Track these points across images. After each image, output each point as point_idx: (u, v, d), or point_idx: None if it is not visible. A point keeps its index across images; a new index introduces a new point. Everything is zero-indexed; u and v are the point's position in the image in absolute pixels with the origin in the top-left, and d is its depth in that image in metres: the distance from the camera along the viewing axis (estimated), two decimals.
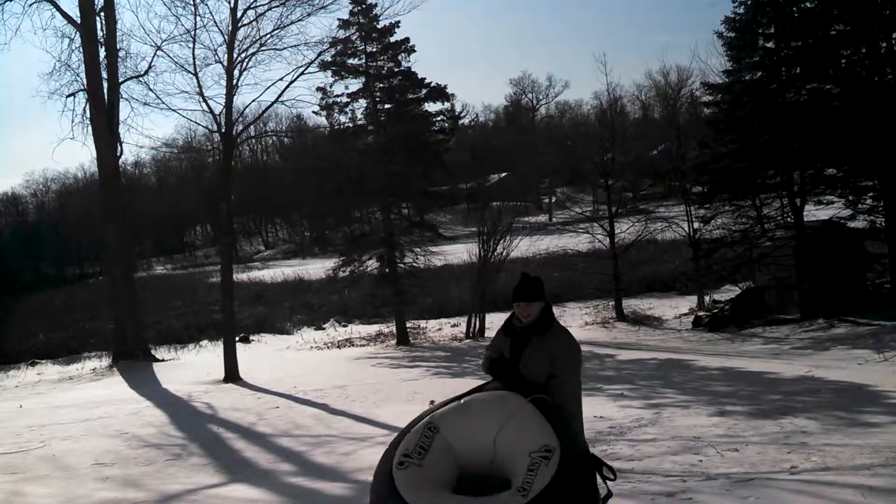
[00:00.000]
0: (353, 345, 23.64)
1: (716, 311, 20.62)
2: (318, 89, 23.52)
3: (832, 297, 18.01)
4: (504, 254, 23.81)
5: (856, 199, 19.57)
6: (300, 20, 19.04)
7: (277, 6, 18.57)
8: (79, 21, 20.51)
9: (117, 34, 21.07)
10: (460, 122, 42.85)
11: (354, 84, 23.89)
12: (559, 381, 3.71)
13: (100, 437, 9.87)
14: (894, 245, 18.66)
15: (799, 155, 19.18)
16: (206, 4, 35.82)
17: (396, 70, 24.07)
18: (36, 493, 6.97)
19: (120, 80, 20.95)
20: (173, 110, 20.63)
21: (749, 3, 19.72)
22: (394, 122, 23.71)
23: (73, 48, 20.93)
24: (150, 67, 20.00)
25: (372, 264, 23.59)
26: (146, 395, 14.61)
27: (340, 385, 13.72)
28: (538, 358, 3.76)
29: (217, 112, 18.19)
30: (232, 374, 16.60)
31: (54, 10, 20.72)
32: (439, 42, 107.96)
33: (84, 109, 20.93)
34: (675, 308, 24.12)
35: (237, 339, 21.03)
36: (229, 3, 18.07)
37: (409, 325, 23.79)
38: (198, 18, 18.88)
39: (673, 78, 67.57)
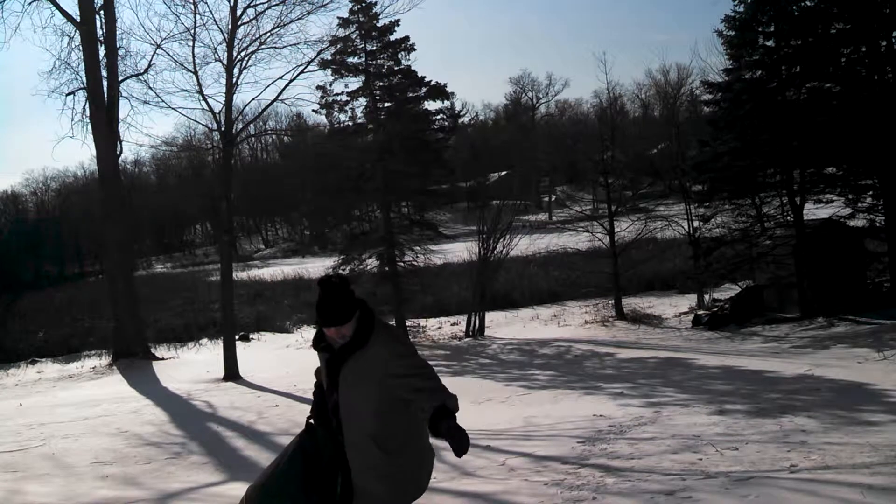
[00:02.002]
0: None
1: (715, 309, 20.62)
2: (318, 88, 23.53)
3: (832, 295, 18.01)
4: (504, 252, 23.80)
5: (855, 198, 19.58)
6: (300, 18, 19.07)
7: (277, 4, 18.60)
8: (78, 19, 20.49)
9: (117, 32, 21.06)
10: (460, 120, 42.86)
11: (354, 82, 23.91)
12: (417, 387, 3.10)
13: (99, 436, 9.87)
14: (894, 244, 18.67)
15: (799, 153, 19.18)
16: (206, 3, 35.76)
17: (396, 68, 24.06)
18: (36, 492, 6.97)
19: (120, 79, 20.94)
20: (173, 109, 20.49)
21: (749, 1, 19.70)
22: (393, 121, 23.69)
23: (73, 46, 20.92)
24: (149, 66, 20.00)
25: (372, 263, 23.60)
26: (146, 393, 14.62)
27: None
28: (363, 385, 3.16)
29: (217, 110, 18.22)
30: (232, 373, 16.60)
31: (54, 8, 20.69)
32: (439, 40, 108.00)
33: (84, 108, 20.92)
34: (674, 307, 24.13)
35: (237, 337, 21.03)
36: (229, 1, 18.10)
37: (409, 323, 23.79)
38: (197, 17, 18.93)
39: (673, 76, 67.69)
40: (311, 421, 3.46)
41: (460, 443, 2.89)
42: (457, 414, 3.03)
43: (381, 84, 24.03)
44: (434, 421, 2.97)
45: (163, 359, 21.48)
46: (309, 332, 26.61)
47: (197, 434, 9.88)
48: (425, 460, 3.39)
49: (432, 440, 3.20)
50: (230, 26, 17.94)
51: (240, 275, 36.64)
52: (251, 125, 23.52)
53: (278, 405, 11.93)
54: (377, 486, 3.19)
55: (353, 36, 23.38)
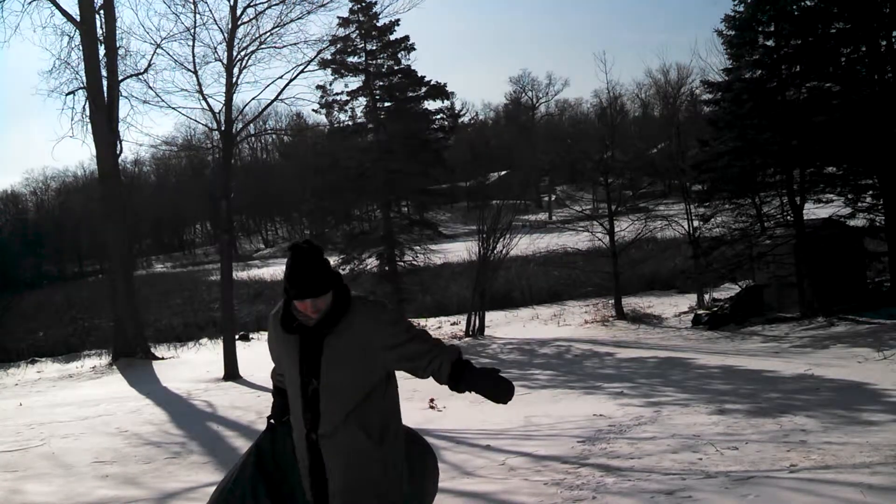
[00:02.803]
0: None
1: (715, 309, 20.62)
2: (318, 87, 23.56)
3: (832, 295, 18.02)
4: (504, 252, 23.80)
5: (855, 198, 19.58)
6: (300, 18, 19.09)
7: (277, 4, 18.62)
8: (78, 19, 20.49)
9: (117, 32, 21.06)
10: (460, 120, 42.90)
11: (354, 82, 23.95)
12: (415, 350, 2.88)
13: (99, 435, 9.86)
14: (894, 243, 18.67)
15: (799, 153, 19.18)
16: (206, 2, 35.90)
17: (396, 68, 24.08)
18: (36, 491, 6.96)
19: (119, 78, 20.94)
20: (173, 108, 20.53)
21: (749, 1, 19.71)
22: (393, 120, 23.71)
23: (73, 46, 20.94)
24: (149, 65, 20.01)
25: (372, 262, 23.61)
26: (146, 393, 14.61)
27: None
28: (346, 368, 2.83)
29: (217, 110, 18.24)
30: (231, 373, 16.60)
31: (54, 8, 20.69)
32: (439, 40, 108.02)
33: (83, 107, 20.93)
34: (674, 306, 24.13)
35: (237, 337, 21.04)
36: (229, 1, 18.10)
37: None
38: (197, 16, 18.95)
39: (673, 76, 67.71)
40: (272, 421, 3.15)
41: (498, 387, 2.82)
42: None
43: (380, 84, 24.05)
44: (455, 377, 2.82)
45: (163, 358, 21.48)
46: None
47: (197, 434, 9.87)
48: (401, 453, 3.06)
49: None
50: (230, 26, 17.96)
51: (240, 274, 36.64)
52: (251, 125, 23.53)
53: None
54: (366, 479, 2.86)
55: (353, 35, 23.40)
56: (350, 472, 2.86)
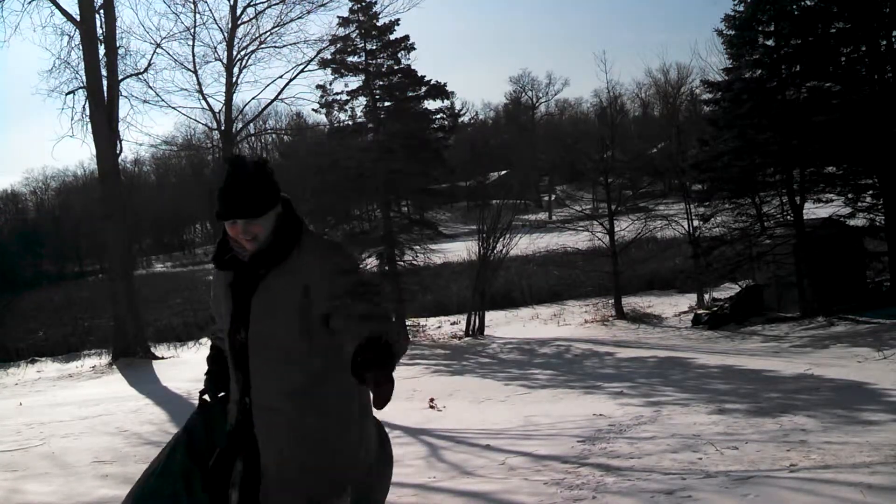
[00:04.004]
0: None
1: (715, 308, 20.63)
2: (318, 87, 23.55)
3: (832, 295, 18.02)
4: (504, 252, 23.81)
5: (855, 197, 19.60)
6: (300, 18, 19.21)
7: (277, 4, 18.69)
8: (78, 18, 20.48)
9: (117, 32, 21.07)
10: (460, 119, 42.77)
11: (354, 82, 23.92)
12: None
13: (99, 435, 9.86)
14: (894, 243, 18.67)
15: (799, 153, 19.18)
16: (206, 2, 36.02)
17: (396, 68, 24.07)
18: (35, 491, 6.96)
19: (119, 78, 20.95)
20: (173, 108, 20.64)
21: (749, 0, 19.71)
22: (393, 120, 23.70)
23: (73, 46, 20.94)
24: (149, 65, 20.05)
25: (372, 262, 23.60)
26: (146, 392, 14.60)
27: None
28: (279, 318, 2.31)
29: (217, 110, 18.32)
30: None
31: (54, 7, 20.70)
32: (439, 40, 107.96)
33: (83, 107, 20.93)
34: (674, 306, 24.13)
35: None
36: (229, 0, 18.13)
37: (408, 322, 23.79)
38: (197, 16, 19.04)
39: (673, 76, 67.53)
40: (206, 398, 2.66)
41: (381, 390, 2.00)
42: (396, 361, 2.14)
43: (380, 83, 24.03)
44: (358, 356, 2.07)
45: (163, 358, 21.47)
46: None
47: None
48: (366, 424, 2.48)
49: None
50: (230, 25, 18.02)
51: None
52: (251, 124, 23.65)
53: None
54: (294, 459, 2.35)
55: (353, 35, 23.39)
56: (289, 451, 2.35)
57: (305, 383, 2.34)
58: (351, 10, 23.05)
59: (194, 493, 2.47)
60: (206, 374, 2.68)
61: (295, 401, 2.33)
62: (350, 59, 23.60)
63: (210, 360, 2.72)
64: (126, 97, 20.97)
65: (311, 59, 19.48)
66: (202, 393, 2.68)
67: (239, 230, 2.35)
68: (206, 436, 2.55)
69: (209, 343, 2.79)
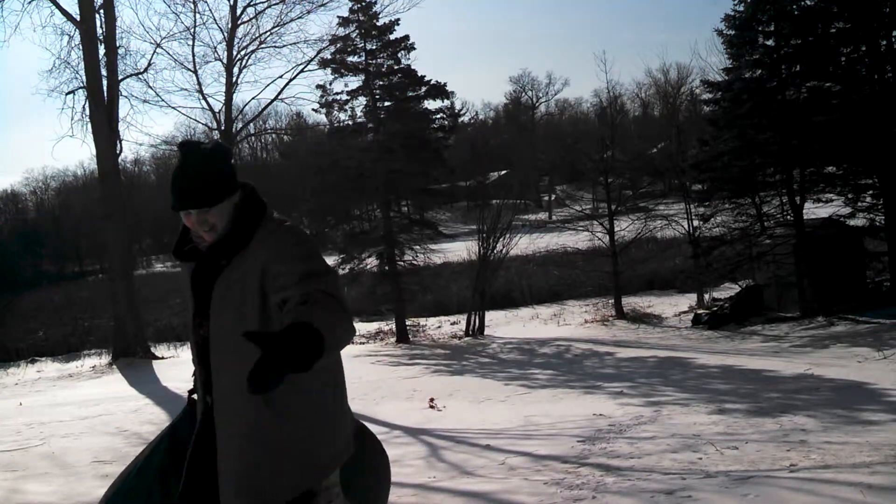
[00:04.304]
0: (352, 342, 23.61)
1: (715, 308, 20.64)
2: (318, 87, 23.54)
3: (832, 294, 18.03)
4: (504, 251, 23.82)
5: (855, 197, 19.60)
6: (300, 18, 19.19)
7: (277, 4, 18.70)
8: (78, 18, 20.49)
9: (117, 31, 21.07)
10: (460, 119, 42.79)
11: (354, 81, 23.91)
12: (304, 299, 1.99)
13: (99, 435, 9.86)
14: (894, 243, 18.68)
15: (799, 153, 19.19)
16: (206, 2, 36.08)
17: (396, 68, 24.05)
18: (35, 491, 6.96)
19: (119, 78, 20.96)
20: (173, 108, 20.66)
21: (749, 0, 19.71)
22: (393, 120, 23.70)
23: (73, 45, 20.94)
24: (149, 65, 20.05)
25: (371, 262, 23.61)
26: (146, 392, 14.60)
27: None
28: (236, 309, 2.19)
29: (217, 109, 18.33)
30: None
31: (53, 7, 20.70)
32: (439, 40, 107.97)
33: (83, 107, 20.93)
34: (674, 306, 24.14)
35: None
36: (229, 0, 18.13)
37: (408, 322, 23.80)
38: (197, 16, 19.05)
39: (673, 76, 67.56)
40: (195, 396, 2.48)
41: (255, 371, 1.73)
42: (326, 352, 1.84)
43: (380, 83, 24.02)
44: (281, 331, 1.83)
45: (163, 358, 21.47)
46: None
47: None
48: (335, 427, 2.32)
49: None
50: (230, 25, 18.02)
51: None
52: (251, 124, 23.66)
53: None
54: (254, 463, 2.20)
55: (353, 35, 23.38)
56: (248, 455, 2.21)
57: None
58: (351, 10, 23.05)
59: (170, 494, 2.34)
60: (192, 374, 2.52)
61: (255, 400, 2.08)
62: (350, 59, 23.59)
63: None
64: (126, 97, 21.00)
65: (311, 59, 19.52)
66: (191, 392, 2.52)
67: (193, 221, 2.25)
68: (190, 431, 2.42)
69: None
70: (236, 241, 2.24)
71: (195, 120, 24.92)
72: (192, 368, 2.44)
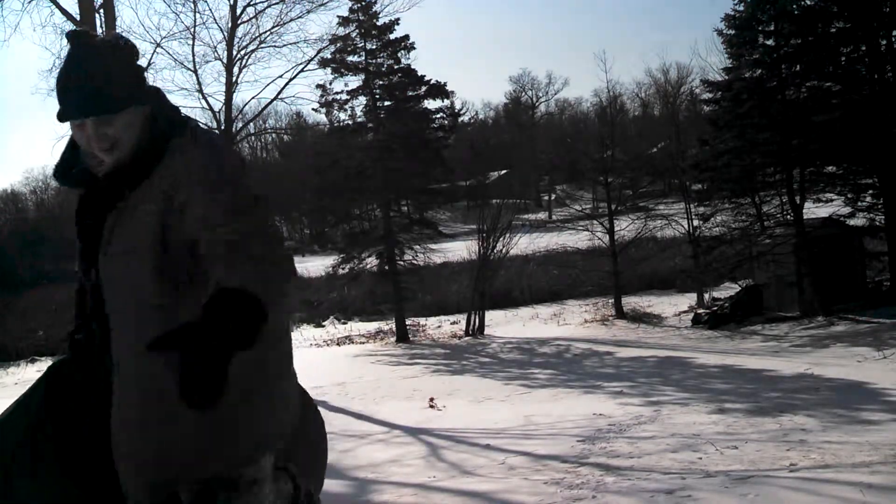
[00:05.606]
0: (352, 342, 23.64)
1: (715, 308, 20.62)
2: (318, 86, 23.50)
3: (832, 294, 18.02)
4: (504, 251, 23.82)
5: (855, 197, 19.59)
6: (300, 17, 19.09)
7: (277, 3, 18.61)
8: (78, 18, 20.43)
9: (117, 31, 21.08)
10: (460, 119, 42.79)
11: (354, 81, 23.88)
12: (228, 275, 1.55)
13: None
14: (894, 243, 18.67)
15: (798, 152, 19.18)
16: (206, 1, 36.04)
17: (396, 67, 24.04)
18: None
19: None
20: None
21: (749, 0, 19.71)
22: (393, 120, 23.69)
23: None
24: (149, 64, 19.91)
25: (371, 262, 23.60)
26: None
27: (340, 382, 13.72)
28: (138, 255, 1.68)
29: (216, 109, 18.26)
30: None
31: (53, 7, 20.62)
32: (439, 39, 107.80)
33: None
34: (674, 306, 24.13)
35: None
36: (229, 0, 18.11)
37: (408, 322, 23.79)
38: (197, 15, 18.97)
39: (673, 75, 67.46)
40: (78, 337, 1.88)
41: (187, 381, 1.45)
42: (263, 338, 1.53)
43: (380, 83, 24.01)
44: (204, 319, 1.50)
45: None
46: (309, 331, 26.54)
47: None
48: (274, 396, 1.78)
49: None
50: (230, 25, 17.97)
51: None
52: (251, 124, 23.56)
53: None
54: (153, 441, 1.70)
55: (353, 34, 23.36)
56: (151, 431, 1.71)
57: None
58: (351, 10, 23.03)
59: (38, 447, 1.78)
60: (74, 332, 1.95)
61: (156, 365, 1.62)
62: (350, 58, 23.57)
63: (78, 295, 1.97)
64: None
65: (311, 59, 19.47)
66: (73, 332, 1.91)
67: (89, 133, 1.70)
68: (76, 383, 1.85)
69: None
70: (144, 163, 1.69)
71: (195, 119, 24.91)
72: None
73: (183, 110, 1.88)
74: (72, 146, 1.85)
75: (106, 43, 1.76)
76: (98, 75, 1.67)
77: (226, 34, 18.03)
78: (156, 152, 1.72)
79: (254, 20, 18.51)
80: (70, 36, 1.74)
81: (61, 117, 1.71)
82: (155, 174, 1.71)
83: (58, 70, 1.74)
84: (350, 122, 24.55)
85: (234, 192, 1.66)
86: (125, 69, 1.73)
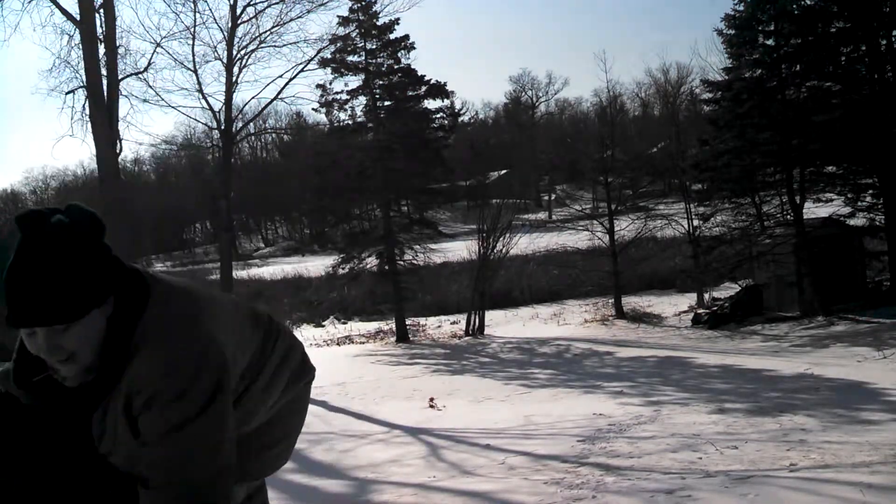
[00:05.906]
0: (352, 342, 23.65)
1: (715, 308, 20.62)
2: (318, 86, 23.53)
3: (832, 294, 18.02)
4: (504, 251, 23.82)
5: (855, 197, 19.58)
6: (300, 17, 19.16)
7: (277, 3, 18.67)
8: (78, 18, 20.43)
9: (117, 31, 20.98)
10: (460, 119, 42.86)
11: (354, 81, 23.89)
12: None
13: None
14: (894, 242, 18.67)
15: (799, 152, 19.18)
16: (206, 1, 36.05)
17: (396, 67, 24.04)
18: None
19: (119, 77, 20.89)
20: (173, 107, 20.63)
21: (749, 0, 19.71)
22: (393, 120, 23.70)
23: (73, 45, 20.87)
24: (149, 64, 20.02)
25: (371, 261, 23.61)
26: None
27: (340, 382, 13.73)
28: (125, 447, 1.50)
29: (217, 109, 18.32)
30: None
31: (53, 6, 20.64)
32: (439, 39, 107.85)
33: (83, 106, 20.87)
34: (674, 305, 24.13)
35: None
36: (229, 0, 18.14)
37: (408, 322, 23.79)
38: (197, 15, 19.02)
39: (673, 75, 67.48)
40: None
41: None
42: None
43: (380, 83, 24.01)
44: None
45: None
46: (309, 331, 26.54)
47: None
48: None
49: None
50: (230, 25, 18.01)
51: (240, 273, 36.63)
52: (251, 124, 23.62)
53: None
54: None
55: (353, 34, 23.36)
56: None
57: None
58: (351, 10, 23.03)
59: None
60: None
61: None
62: (350, 58, 23.57)
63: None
64: (126, 96, 20.97)
65: (311, 59, 19.52)
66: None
67: (41, 346, 1.41)
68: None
69: None
70: (110, 377, 1.44)
71: (195, 119, 24.98)
72: None
73: (183, 110, 1.90)
74: (22, 353, 1.55)
75: (63, 229, 1.42)
76: (49, 278, 1.36)
77: (226, 34, 18.08)
78: (123, 356, 1.46)
79: (254, 20, 18.59)
80: (19, 221, 1.40)
81: (10, 323, 1.40)
82: (124, 378, 1.47)
83: (7, 262, 1.38)
84: (350, 122, 24.56)
85: (182, 409, 1.42)
86: (84, 265, 1.42)
